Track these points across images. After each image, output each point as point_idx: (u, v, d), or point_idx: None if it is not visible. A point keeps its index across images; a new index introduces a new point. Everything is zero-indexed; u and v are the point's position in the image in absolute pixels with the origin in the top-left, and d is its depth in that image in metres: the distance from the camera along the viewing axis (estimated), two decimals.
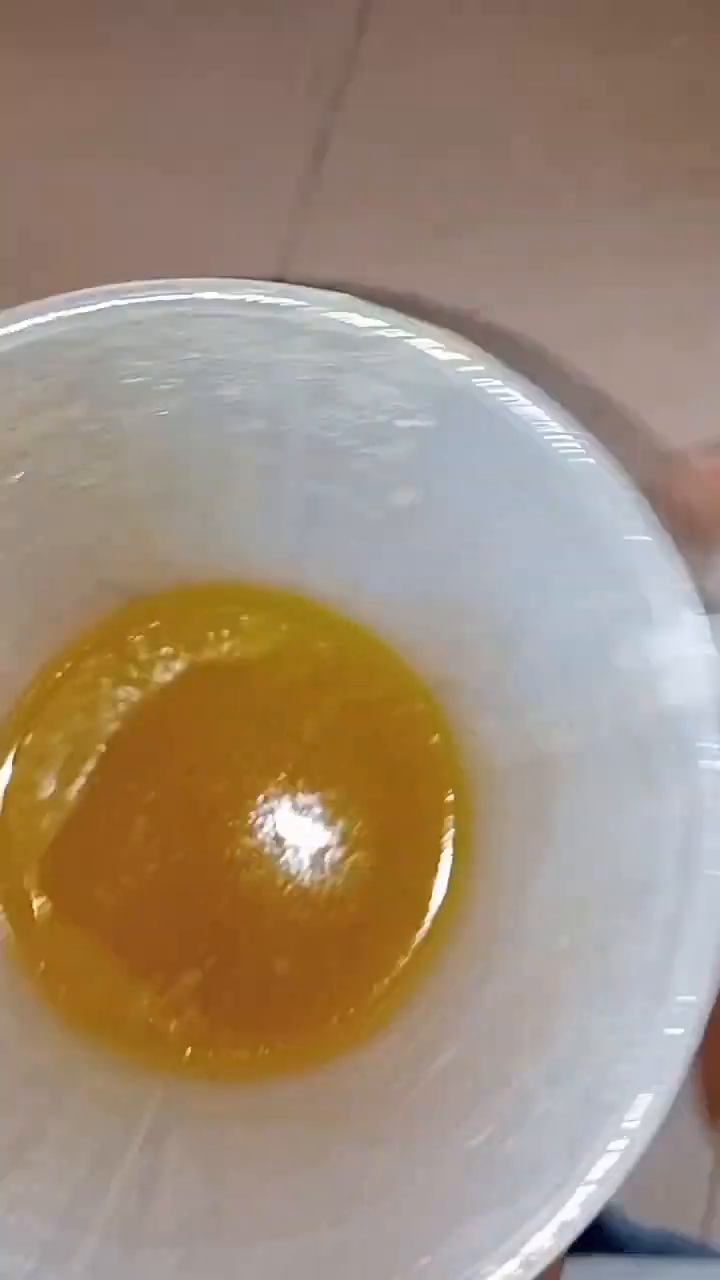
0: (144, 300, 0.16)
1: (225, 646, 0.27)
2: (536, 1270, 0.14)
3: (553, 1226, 0.15)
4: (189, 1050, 0.25)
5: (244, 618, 0.27)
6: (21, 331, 0.16)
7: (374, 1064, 0.24)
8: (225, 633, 0.27)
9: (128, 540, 0.24)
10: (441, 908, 0.25)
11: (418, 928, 0.25)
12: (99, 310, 0.16)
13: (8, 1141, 0.19)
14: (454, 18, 0.36)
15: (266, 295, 0.16)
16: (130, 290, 0.16)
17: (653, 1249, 0.31)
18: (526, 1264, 0.14)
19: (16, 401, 0.17)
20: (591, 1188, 0.15)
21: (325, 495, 0.22)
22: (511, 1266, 0.14)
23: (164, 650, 0.27)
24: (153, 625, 0.27)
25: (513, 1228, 0.15)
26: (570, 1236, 0.14)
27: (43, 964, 0.24)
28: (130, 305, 0.16)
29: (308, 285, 0.16)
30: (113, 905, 0.25)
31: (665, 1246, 0.31)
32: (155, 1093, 0.23)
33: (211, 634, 0.27)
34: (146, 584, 0.26)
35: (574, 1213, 0.15)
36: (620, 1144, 0.15)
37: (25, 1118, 0.20)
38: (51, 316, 0.16)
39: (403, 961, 0.25)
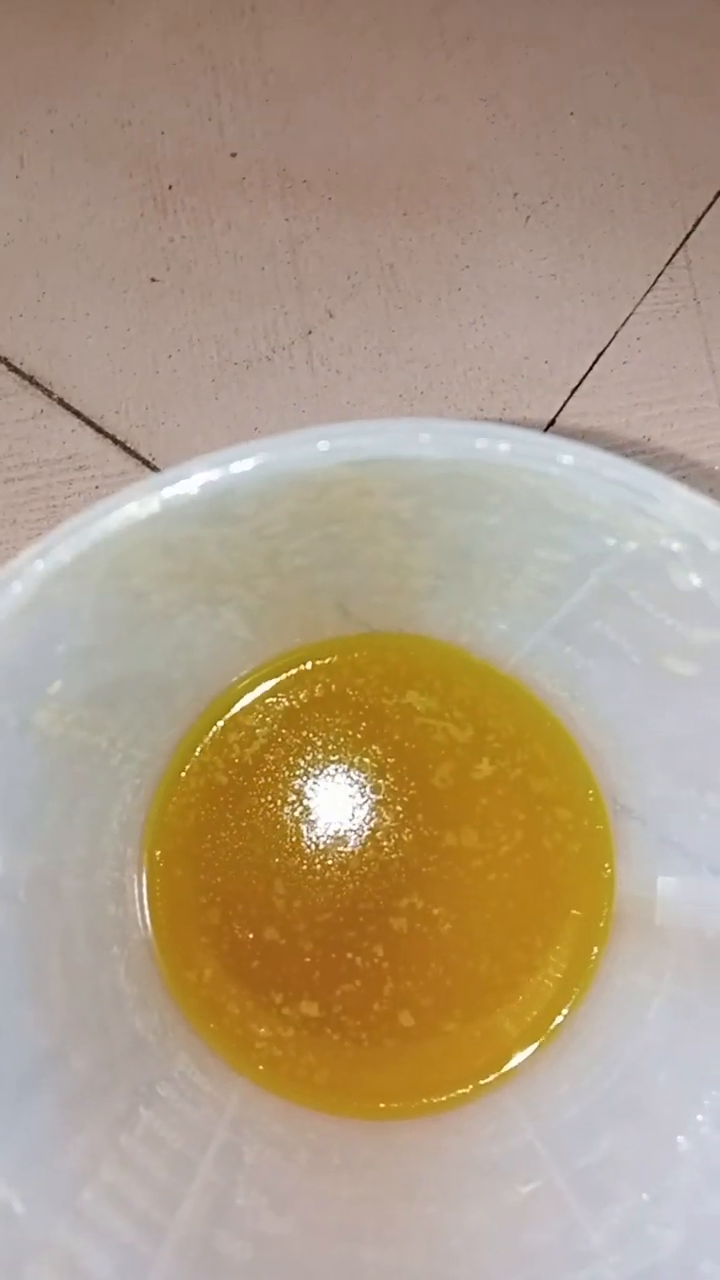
0: (513, 450, 0.16)
1: (420, 698, 0.28)
2: None
3: None
4: (261, 1067, 0.26)
5: (460, 678, 0.27)
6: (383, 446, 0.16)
7: (446, 1134, 0.25)
8: (436, 684, 0.28)
9: (381, 593, 0.24)
10: (562, 1020, 0.26)
11: (541, 1021, 0.26)
12: (467, 447, 0.16)
13: (107, 1123, 0.20)
14: None
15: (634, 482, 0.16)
16: (498, 435, 0.16)
17: None
18: None
19: (358, 489, 0.18)
20: None
21: (599, 631, 0.22)
22: None
23: (374, 672, 0.28)
24: (378, 655, 0.28)
25: None
26: None
27: (183, 949, 0.26)
28: (490, 450, 0.16)
29: None
30: (269, 916, 0.26)
31: None
32: (233, 1095, 0.25)
33: (423, 680, 0.28)
34: (381, 623, 0.27)
35: None
36: None
37: (124, 1094, 0.22)
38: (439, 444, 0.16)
39: (511, 1052, 0.26)
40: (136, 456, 0.31)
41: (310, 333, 0.32)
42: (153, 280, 0.32)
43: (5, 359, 0.32)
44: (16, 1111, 0.18)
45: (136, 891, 0.26)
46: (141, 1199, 0.19)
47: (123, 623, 0.19)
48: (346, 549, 0.21)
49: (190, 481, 0.15)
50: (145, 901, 0.26)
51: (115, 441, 0.31)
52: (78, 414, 0.31)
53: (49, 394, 0.32)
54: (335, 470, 0.16)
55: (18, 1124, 0.17)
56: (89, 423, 0.31)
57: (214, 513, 0.17)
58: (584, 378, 0.32)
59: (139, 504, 0.15)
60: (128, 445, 0.31)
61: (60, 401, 0.31)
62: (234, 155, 0.33)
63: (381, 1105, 0.25)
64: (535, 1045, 0.26)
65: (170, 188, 0.33)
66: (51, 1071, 0.19)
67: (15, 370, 0.32)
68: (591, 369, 0.32)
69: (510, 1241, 0.20)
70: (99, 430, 0.31)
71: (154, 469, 0.31)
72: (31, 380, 0.32)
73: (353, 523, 0.20)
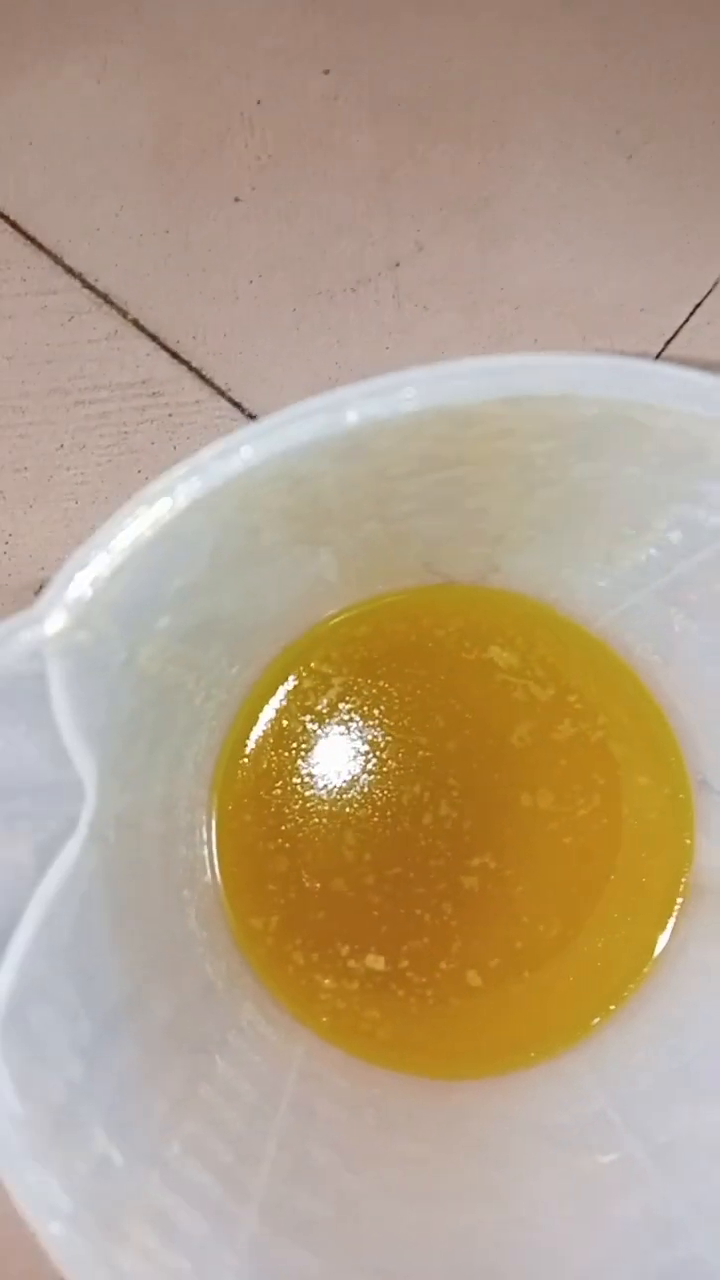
0: (680, 394, 0.15)
1: (501, 654, 0.27)
2: None
3: None
4: (325, 1019, 0.25)
5: (544, 636, 0.26)
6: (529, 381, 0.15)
7: (513, 1098, 0.25)
8: (519, 641, 0.27)
9: (477, 543, 0.23)
10: (638, 989, 0.25)
11: (612, 990, 0.25)
12: (640, 387, 0.15)
13: (187, 1071, 0.20)
14: None
15: None
16: (676, 378, 0.15)
17: None
18: None
19: (501, 428, 0.17)
20: None
21: (714, 593, 0.21)
22: None
23: (454, 625, 0.27)
24: (459, 607, 0.27)
25: None
26: None
27: (250, 896, 0.25)
28: (663, 392, 0.15)
29: None
30: (338, 867, 0.25)
31: None
32: (298, 1047, 0.24)
33: (505, 636, 0.27)
34: (464, 575, 0.26)
35: None
36: None
37: (200, 1041, 0.21)
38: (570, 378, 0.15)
39: (580, 1018, 0.25)
40: (211, 385, 0.30)
41: (398, 265, 0.31)
42: (236, 200, 0.31)
43: (80, 275, 0.30)
44: (107, 1057, 0.17)
45: (206, 835, 0.25)
46: (225, 1154, 0.18)
47: (233, 559, 0.18)
48: (458, 494, 0.20)
49: (347, 412, 0.14)
50: (214, 846, 0.25)
51: (190, 368, 0.30)
52: (153, 337, 0.30)
53: (124, 314, 0.30)
54: (486, 407, 0.15)
55: (108, 1069, 0.17)
56: (164, 347, 0.30)
57: (352, 448, 0.16)
58: (680, 328, 0.31)
59: (282, 433, 0.14)
60: (203, 373, 0.30)
61: (135, 323, 0.30)
62: (326, 72, 0.31)
63: (445, 1064, 0.25)
64: (605, 1013, 0.26)
65: (259, 103, 0.31)
66: (135, 1016, 0.19)
67: (90, 287, 0.30)
68: (688, 320, 0.31)
69: (588, 1213, 0.20)
70: (174, 355, 0.30)
71: (228, 398, 0.30)
72: (106, 299, 0.30)
73: (481, 466, 0.19)
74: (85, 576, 0.14)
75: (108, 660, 0.16)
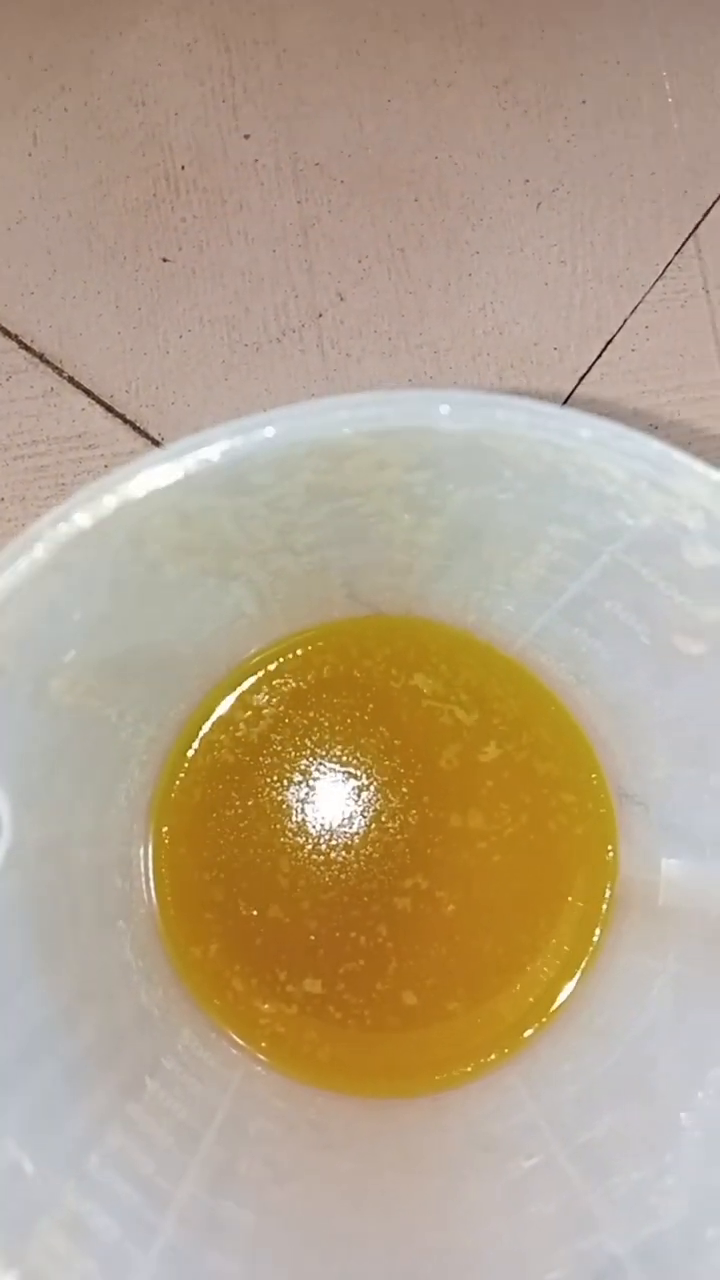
0: (532, 422, 0.16)
1: (426, 680, 0.28)
2: None
3: None
4: (264, 1044, 0.26)
5: (466, 661, 0.27)
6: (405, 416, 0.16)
7: (449, 1112, 0.25)
8: (442, 667, 0.28)
9: (390, 573, 0.25)
10: (567, 999, 0.26)
11: (544, 1002, 0.26)
12: (487, 418, 0.16)
13: (114, 1091, 0.21)
14: None
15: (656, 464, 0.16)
16: (517, 407, 0.16)
17: None
18: None
19: (375, 460, 0.18)
20: None
21: (609, 611, 0.22)
22: None
23: (381, 654, 0.28)
24: (385, 637, 0.28)
25: None
26: None
27: (188, 925, 0.26)
28: (509, 421, 0.16)
29: None
30: (273, 894, 0.26)
31: None
32: (236, 1071, 0.25)
33: (429, 663, 0.28)
34: (388, 605, 0.27)
35: None
36: None
37: (130, 1064, 0.22)
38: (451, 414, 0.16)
39: (513, 1032, 0.26)
40: (146, 436, 0.31)
41: (321, 315, 0.32)
42: (164, 260, 0.32)
43: (16, 336, 0.32)
44: (25, 1075, 0.18)
45: (143, 866, 0.26)
46: (147, 1165, 0.19)
47: (136, 593, 0.19)
48: (359, 525, 0.21)
49: (211, 448, 0.15)
50: (151, 876, 0.26)
51: (125, 420, 0.31)
52: (88, 392, 0.31)
53: (59, 372, 0.32)
54: (353, 440, 0.16)
55: (26, 1087, 0.18)
56: (99, 401, 0.31)
57: (232, 481, 0.17)
58: (592, 365, 0.32)
59: (160, 470, 0.16)
60: (137, 424, 0.31)
61: (70, 380, 0.32)
62: (247, 137, 0.33)
63: (384, 1083, 0.25)
64: (538, 1025, 0.26)
65: (183, 168, 0.33)
66: (59, 1038, 0.19)
67: (26, 348, 0.32)
68: (600, 356, 0.33)
69: (512, 1213, 0.20)
70: (109, 409, 0.31)
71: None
72: (42, 358, 0.32)
73: (366, 496, 0.20)
74: None
75: (12, 692, 0.17)
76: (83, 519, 0.15)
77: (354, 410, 0.15)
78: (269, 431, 0.15)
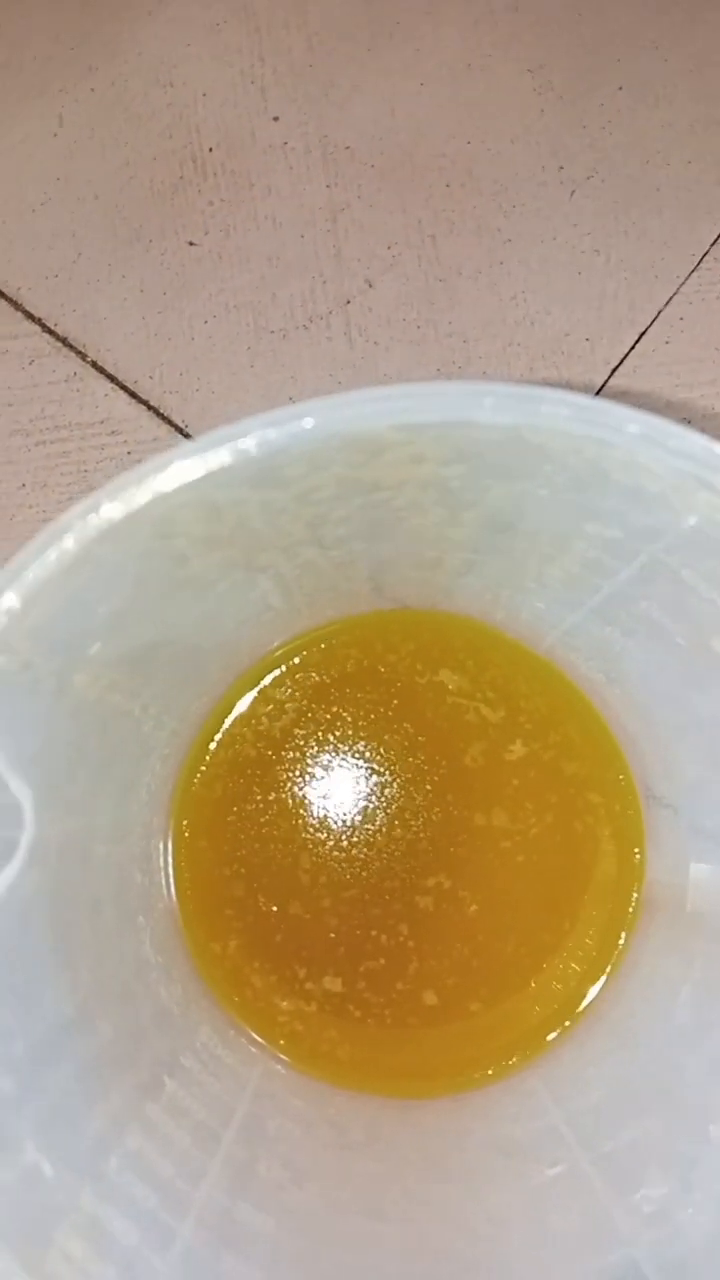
0: (577, 416, 0.16)
1: (451, 676, 0.27)
2: None
3: None
4: (283, 1041, 0.25)
5: (493, 658, 0.27)
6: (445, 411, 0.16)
7: (469, 1114, 0.25)
8: (469, 663, 0.27)
9: (418, 567, 0.24)
10: (591, 1003, 0.25)
11: (567, 1005, 0.26)
12: (530, 412, 0.16)
13: (132, 1091, 0.20)
14: None
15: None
16: (562, 401, 0.16)
17: None
18: None
19: (410, 454, 0.17)
20: None
21: (644, 611, 0.21)
22: None
23: (406, 649, 0.27)
24: (410, 631, 0.27)
25: None
26: None
27: (208, 921, 0.26)
28: (553, 415, 0.16)
29: None
30: (294, 890, 0.26)
31: None
32: (255, 1069, 0.24)
33: (455, 659, 0.27)
34: (415, 599, 0.26)
35: None
36: None
37: (148, 1063, 0.22)
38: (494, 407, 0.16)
39: (535, 1035, 0.25)
40: (169, 423, 0.31)
41: (348, 303, 0.32)
42: (190, 244, 0.32)
43: (40, 320, 0.31)
44: (42, 1075, 0.17)
45: (162, 861, 0.26)
46: (166, 1168, 0.19)
47: (162, 586, 0.19)
48: (389, 519, 0.21)
49: (248, 439, 0.15)
50: (171, 871, 0.26)
51: (148, 407, 0.31)
52: (111, 378, 0.31)
53: (83, 357, 0.31)
54: (389, 434, 0.16)
55: (44, 1087, 0.17)
56: (123, 387, 0.31)
57: (263, 474, 0.16)
58: (625, 356, 0.32)
59: (193, 461, 0.15)
60: (160, 411, 0.31)
61: (94, 365, 0.31)
62: (276, 119, 0.33)
63: (403, 1083, 0.25)
64: (561, 1028, 0.26)
65: (210, 150, 0.32)
66: (77, 1037, 0.19)
67: (50, 332, 0.31)
68: (633, 348, 0.32)
69: (535, 1223, 0.20)
70: (132, 395, 0.31)
71: (186, 435, 0.31)
72: (65, 343, 0.31)
73: (398, 491, 0.19)
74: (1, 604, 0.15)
75: (37, 686, 0.17)
76: (113, 510, 0.15)
77: (393, 402, 0.15)
78: (307, 423, 0.15)
